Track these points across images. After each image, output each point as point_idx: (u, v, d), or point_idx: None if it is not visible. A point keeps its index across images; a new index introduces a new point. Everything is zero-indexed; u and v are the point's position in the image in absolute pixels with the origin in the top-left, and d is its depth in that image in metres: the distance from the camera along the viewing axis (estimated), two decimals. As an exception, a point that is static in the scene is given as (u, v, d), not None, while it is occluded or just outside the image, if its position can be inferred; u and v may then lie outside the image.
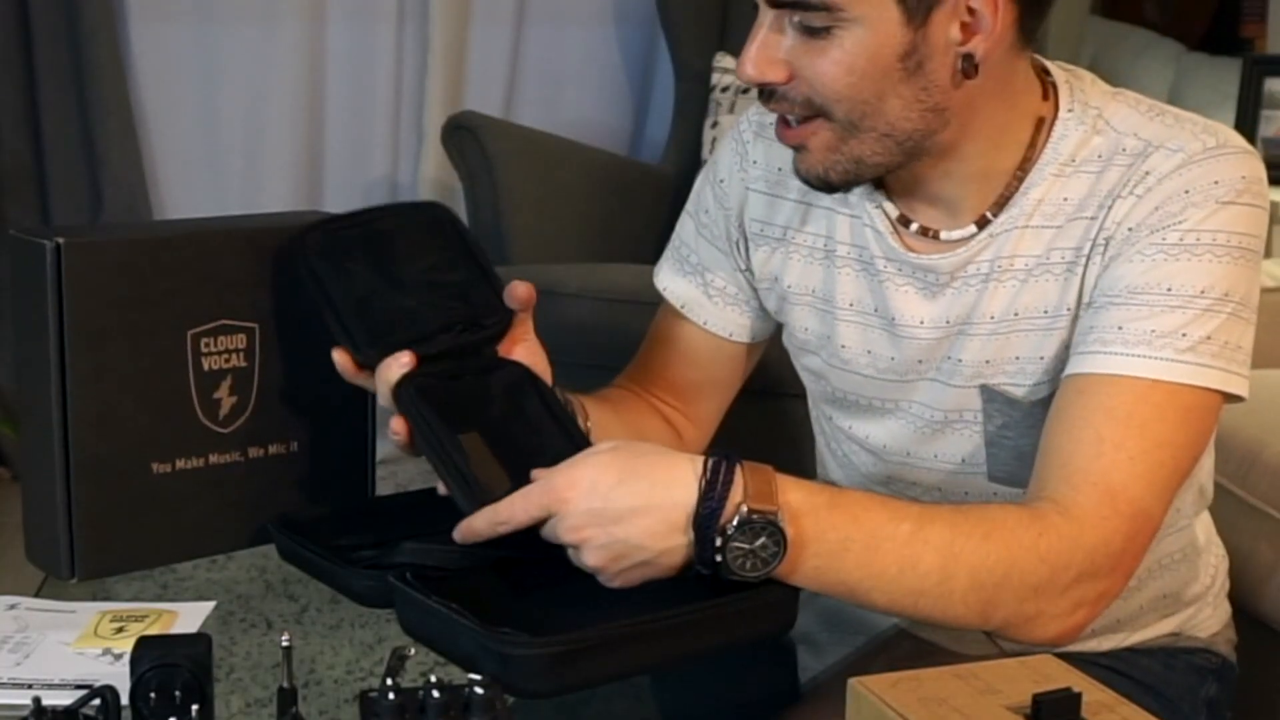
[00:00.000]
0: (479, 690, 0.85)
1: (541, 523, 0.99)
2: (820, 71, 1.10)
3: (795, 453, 1.49)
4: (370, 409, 1.28)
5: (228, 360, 1.19)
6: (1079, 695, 0.87)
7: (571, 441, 1.10)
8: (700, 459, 0.99)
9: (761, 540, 0.98)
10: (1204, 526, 1.37)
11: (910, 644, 1.20)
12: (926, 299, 1.21)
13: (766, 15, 1.11)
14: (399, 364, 1.10)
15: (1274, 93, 3.05)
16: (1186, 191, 1.10)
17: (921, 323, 1.22)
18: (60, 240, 1.11)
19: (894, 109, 1.11)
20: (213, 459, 1.20)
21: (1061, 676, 0.91)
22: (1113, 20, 4.03)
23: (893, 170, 1.16)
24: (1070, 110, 1.18)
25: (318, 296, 1.14)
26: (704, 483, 0.98)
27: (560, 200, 2.80)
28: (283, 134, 3.18)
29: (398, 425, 1.09)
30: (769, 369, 1.75)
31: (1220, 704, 1.35)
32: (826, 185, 1.17)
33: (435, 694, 0.84)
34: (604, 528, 0.97)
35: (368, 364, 1.12)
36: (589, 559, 0.98)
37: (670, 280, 1.38)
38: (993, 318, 1.19)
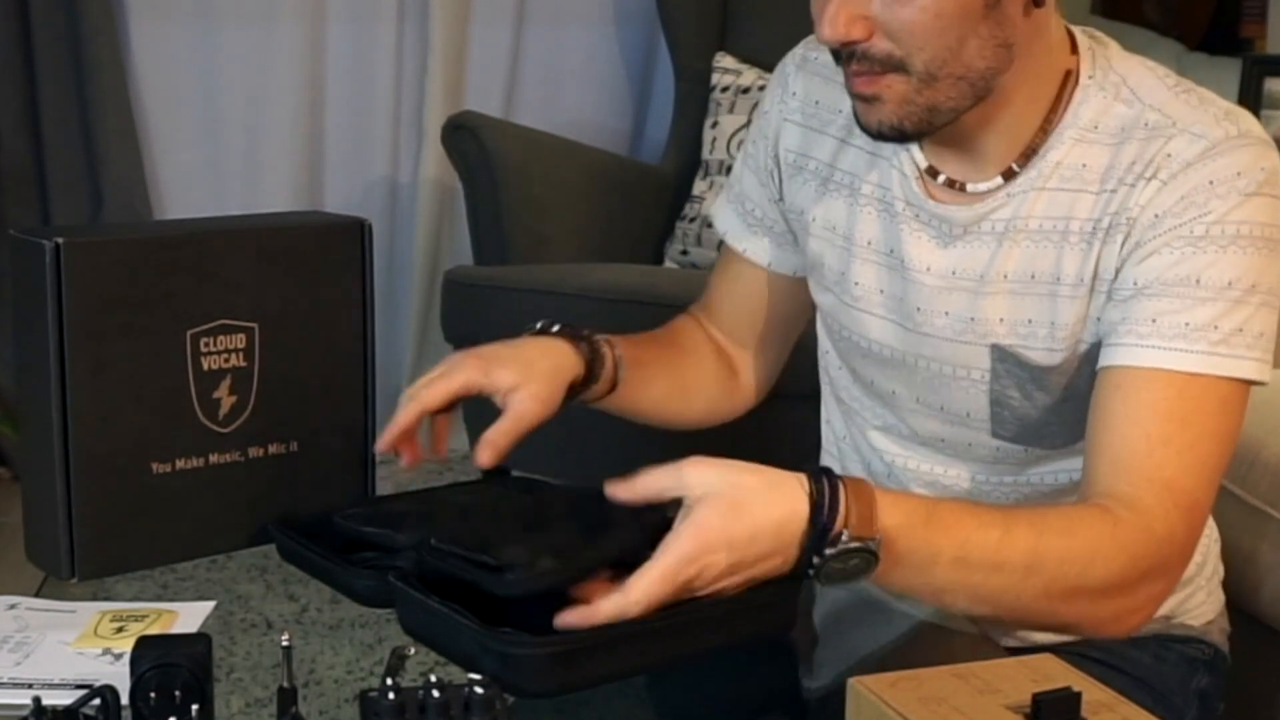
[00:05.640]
0: (479, 690, 0.85)
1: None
2: (907, 21, 1.10)
3: (795, 453, 1.48)
4: (369, 409, 1.28)
5: (227, 360, 1.19)
6: (1079, 694, 0.87)
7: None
8: (806, 480, 0.99)
9: (854, 561, 0.99)
10: None
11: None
12: (938, 247, 1.23)
13: None
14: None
15: (1274, 93, 3.05)
16: (1211, 183, 1.12)
17: (928, 269, 1.24)
18: (60, 240, 1.11)
19: (971, 50, 1.12)
20: (212, 459, 1.20)
21: (1061, 676, 0.91)
22: (1113, 20, 4.03)
23: (962, 114, 1.16)
24: (1091, 76, 1.19)
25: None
26: (812, 506, 0.98)
27: (560, 200, 2.80)
28: (283, 134, 3.18)
29: None
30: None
31: (1212, 695, 1.36)
32: (900, 135, 1.17)
33: (435, 694, 0.84)
34: (735, 574, 0.98)
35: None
36: (710, 589, 0.98)
37: (719, 211, 1.42)
38: (1006, 277, 1.20)
